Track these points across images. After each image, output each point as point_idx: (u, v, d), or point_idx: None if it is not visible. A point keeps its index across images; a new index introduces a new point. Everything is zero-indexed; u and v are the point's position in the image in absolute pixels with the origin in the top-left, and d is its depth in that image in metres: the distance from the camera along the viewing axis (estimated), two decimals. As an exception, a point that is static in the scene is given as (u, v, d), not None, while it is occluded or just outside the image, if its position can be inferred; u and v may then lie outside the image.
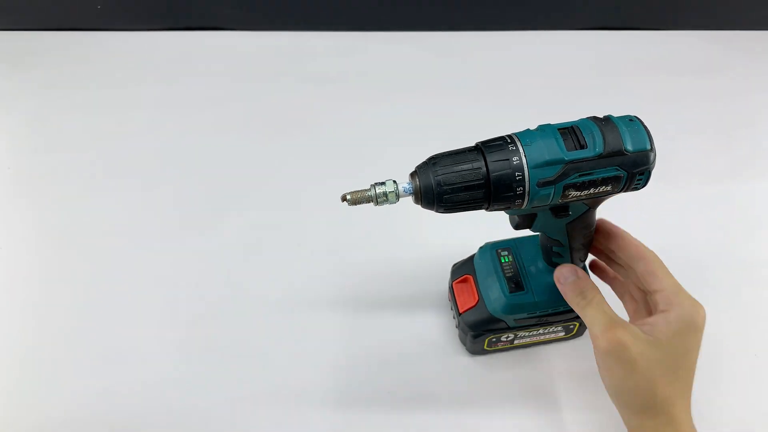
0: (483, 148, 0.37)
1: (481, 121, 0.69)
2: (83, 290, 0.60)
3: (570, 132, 0.37)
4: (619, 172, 0.37)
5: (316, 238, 0.64)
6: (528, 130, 0.38)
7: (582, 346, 0.55)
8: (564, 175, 0.37)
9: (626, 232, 0.44)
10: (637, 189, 0.39)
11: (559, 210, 0.41)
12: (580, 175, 0.37)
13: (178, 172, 0.72)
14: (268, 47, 0.89)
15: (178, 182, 0.71)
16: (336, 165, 0.72)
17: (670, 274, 0.41)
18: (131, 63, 0.87)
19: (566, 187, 0.37)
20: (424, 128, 0.76)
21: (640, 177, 0.38)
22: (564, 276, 0.43)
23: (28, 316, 0.59)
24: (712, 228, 0.65)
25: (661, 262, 0.42)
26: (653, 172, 0.39)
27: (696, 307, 0.39)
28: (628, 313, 0.47)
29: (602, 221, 0.45)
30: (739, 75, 0.84)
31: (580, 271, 0.43)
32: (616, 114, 0.39)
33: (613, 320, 0.39)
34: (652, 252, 0.42)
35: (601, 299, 0.41)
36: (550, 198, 0.38)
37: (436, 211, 0.38)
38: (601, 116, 0.39)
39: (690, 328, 0.39)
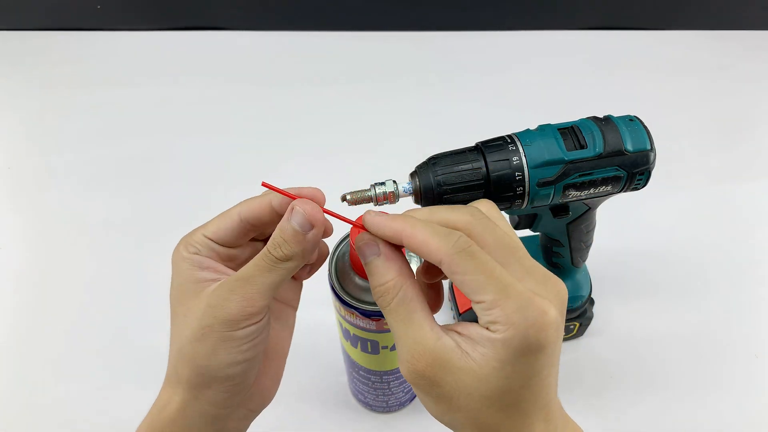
0: (483, 148, 0.37)
1: (481, 121, 0.69)
2: (83, 290, 0.60)
3: (570, 132, 0.37)
4: (619, 172, 0.37)
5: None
6: (528, 130, 0.38)
7: (582, 346, 0.55)
8: (564, 175, 0.37)
9: (407, 224, 0.27)
10: (637, 189, 0.39)
11: (559, 210, 0.41)
12: (580, 175, 0.37)
13: (177, 172, 0.72)
14: (268, 47, 0.89)
15: (177, 182, 0.71)
16: (336, 165, 0.72)
17: (487, 268, 0.25)
18: (131, 63, 0.87)
19: (566, 187, 0.37)
20: (423, 128, 0.76)
21: (640, 177, 0.38)
22: (362, 253, 0.28)
23: (28, 315, 0.59)
24: (712, 228, 0.65)
25: (471, 254, 0.25)
26: (653, 172, 0.39)
27: (532, 319, 0.24)
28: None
29: (367, 223, 0.28)
30: (739, 75, 0.84)
31: (384, 247, 0.28)
32: (616, 114, 0.39)
33: (419, 342, 0.26)
34: (450, 244, 0.25)
35: (410, 298, 0.27)
36: (550, 198, 0.38)
37: (436, 211, 0.38)
38: (601, 116, 0.39)
39: (528, 353, 0.25)
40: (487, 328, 0.25)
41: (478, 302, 0.25)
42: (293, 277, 0.33)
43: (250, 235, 0.31)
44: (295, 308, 0.35)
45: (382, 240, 0.28)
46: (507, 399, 0.26)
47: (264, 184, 0.29)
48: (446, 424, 0.27)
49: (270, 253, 0.27)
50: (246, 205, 0.30)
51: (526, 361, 0.25)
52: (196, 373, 0.28)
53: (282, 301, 0.34)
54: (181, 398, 0.28)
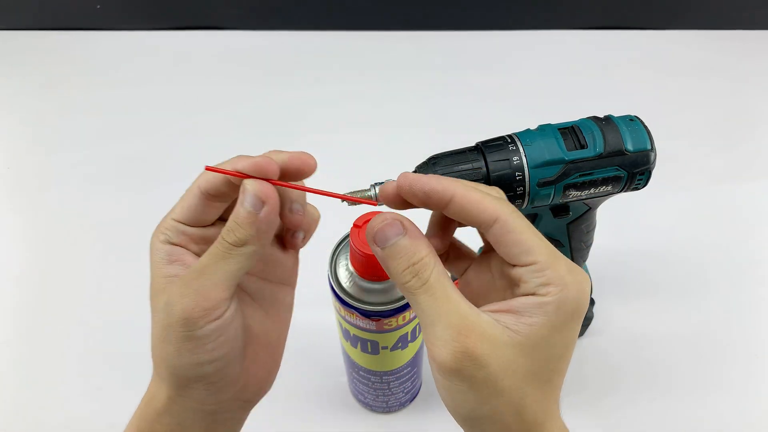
0: (483, 148, 0.37)
1: (481, 121, 0.69)
2: (83, 290, 0.60)
3: (570, 132, 0.37)
4: (619, 172, 0.37)
5: (315, 238, 0.64)
6: (528, 130, 0.38)
7: (582, 346, 0.55)
8: (564, 175, 0.37)
9: (456, 184, 0.26)
10: (637, 189, 0.39)
11: (560, 210, 0.41)
12: (580, 175, 0.37)
13: (177, 172, 0.72)
14: (268, 47, 0.89)
15: (177, 182, 0.70)
16: (336, 165, 0.72)
17: (537, 233, 0.25)
18: (131, 63, 0.87)
19: (566, 187, 0.37)
20: (423, 128, 0.76)
21: (641, 177, 0.38)
22: (384, 234, 0.25)
23: (28, 315, 0.59)
24: (712, 228, 0.65)
25: (521, 216, 0.25)
26: (653, 172, 0.39)
27: (581, 282, 0.25)
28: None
29: (408, 179, 0.26)
30: (738, 75, 0.84)
31: (410, 225, 0.26)
32: (616, 114, 0.39)
33: (463, 317, 0.24)
34: (505, 205, 0.25)
35: (444, 276, 0.25)
36: (551, 198, 0.38)
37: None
38: (602, 116, 0.39)
39: (574, 317, 0.25)
40: (534, 294, 0.24)
41: (528, 264, 0.24)
42: (285, 248, 0.30)
43: (217, 210, 0.28)
44: (293, 285, 0.32)
45: (403, 217, 0.26)
46: (546, 373, 0.25)
47: (208, 169, 0.26)
48: (481, 420, 0.25)
49: (224, 239, 0.25)
50: (204, 176, 0.27)
51: (569, 328, 0.25)
52: (170, 373, 0.26)
53: (274, 281, 0.31)
54: (166, 394, 0.27)
